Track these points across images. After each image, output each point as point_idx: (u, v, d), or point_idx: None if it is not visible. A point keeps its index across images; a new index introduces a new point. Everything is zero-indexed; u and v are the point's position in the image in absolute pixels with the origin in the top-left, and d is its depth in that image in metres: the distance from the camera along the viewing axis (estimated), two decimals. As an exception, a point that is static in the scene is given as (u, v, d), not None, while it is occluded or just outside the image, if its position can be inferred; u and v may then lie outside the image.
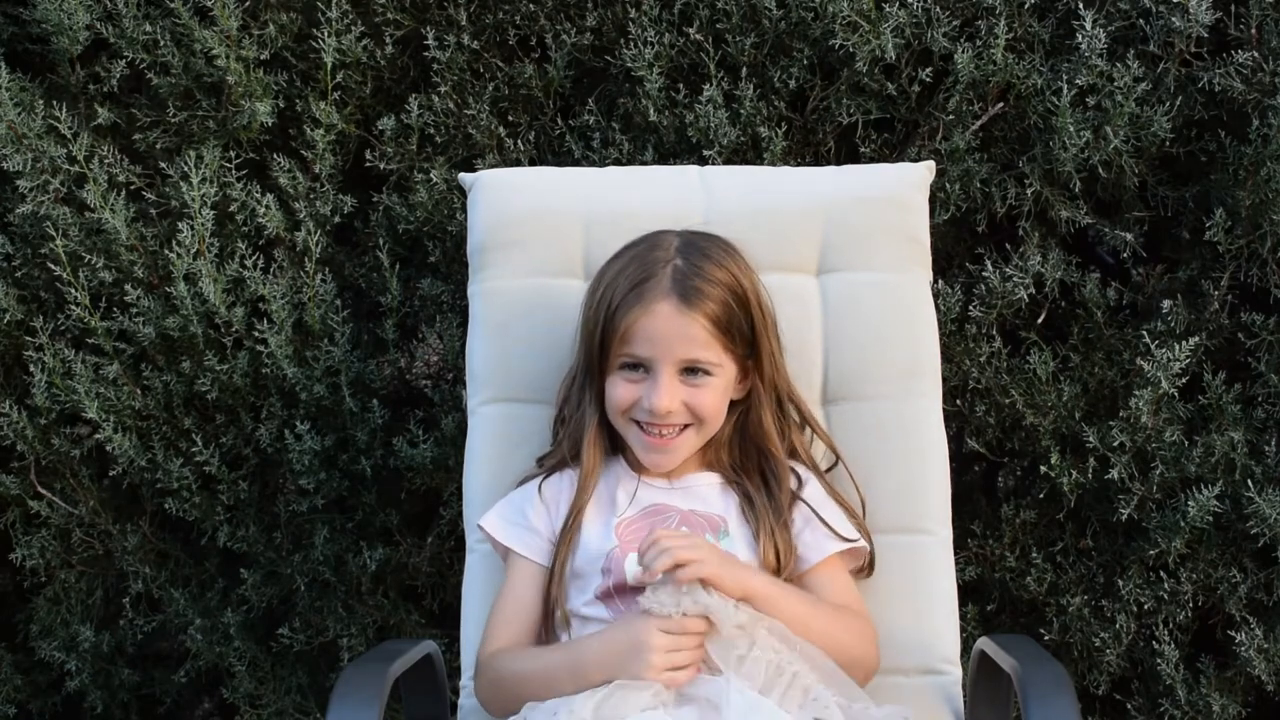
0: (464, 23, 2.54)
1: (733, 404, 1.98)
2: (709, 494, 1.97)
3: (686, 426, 1.93)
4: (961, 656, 2.07)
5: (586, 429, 1.96)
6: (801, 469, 2.00)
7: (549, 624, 1.93)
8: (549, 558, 1.93)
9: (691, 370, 1.90)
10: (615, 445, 2.00)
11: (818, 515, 1.96)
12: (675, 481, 1.98)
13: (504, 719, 1.85)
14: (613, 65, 2.52)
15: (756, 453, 1.99)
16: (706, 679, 1.76)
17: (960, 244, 2.57)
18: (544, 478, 1.99)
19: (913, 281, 2.16)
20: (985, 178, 2.47)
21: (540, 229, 2.17)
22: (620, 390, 1.92)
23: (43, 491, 2.66)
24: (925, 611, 2.06)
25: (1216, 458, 2.44)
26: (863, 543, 1.99)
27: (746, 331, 1.93)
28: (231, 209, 2.56)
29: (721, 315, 1.90)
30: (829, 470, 2.06)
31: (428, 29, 2.54)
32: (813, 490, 1.99)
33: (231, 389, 2.57)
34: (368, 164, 2.60)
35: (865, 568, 2.02)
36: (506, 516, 1.98)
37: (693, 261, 1.91)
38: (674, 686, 1.76)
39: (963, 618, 2.20)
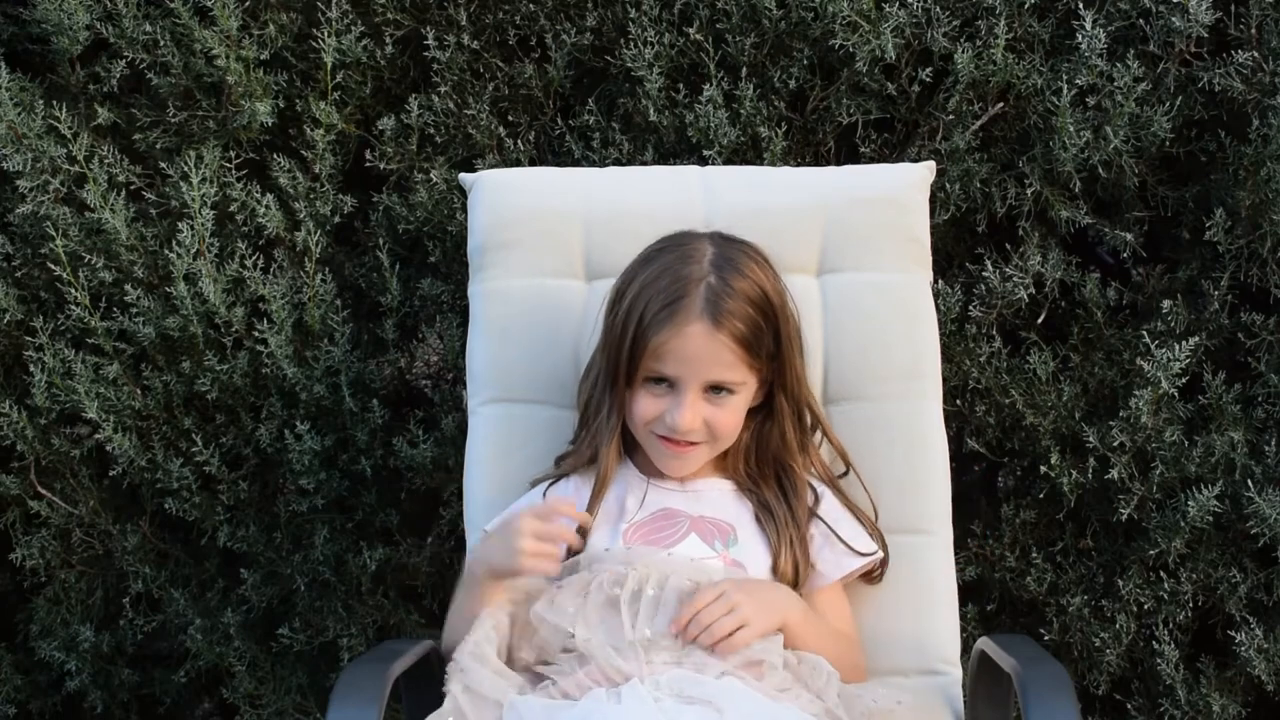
0: (464, 23, 2.53)
1: (751, 410, 1.97)
2: (720, 500, 1.97)
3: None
4: (961, 656, 2.07)
5: (607, 440, 1.96)
6: (817, 483, 2.00)
7: None
8: None
9: (715, 389, 1.90)
10: (626, 449, 2.00)
11: (835, 534, 1.96)
12: (687, 485, 1.97)
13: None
14: (613, 65, 2.52)
15: (774, 464, 1.98)
16: (711, 681, 1.77)
17: (960, 244, 2.56)
18: (550, 484, 1.99)
19: (913, 281, 2.16)
20: (985, 178, 2.47)
21: (540, 229, 2.17)
22: (644, 405, 1.91)
23: (43, 491, 2.65)
24: (925, 612, 2.06)
25: (1216, 458, 2.44)
26: (879, 555, 2.00)
27: (771, 346, 1.92)
28: (231, 209, 2.56)
29: (748, 334, 1.88)
30: (841, 476, 2.05)
31: (428, 29, 2.54)
32: (829, 506, 1.99)
33: (231, 389, 2.57)
34: (368, 164, 2.59)
35: (878, 574, 2.03)
36: None
37: (725, 279, 1.88)
38: (536, 574, 1.80)
39: (963, 618, 2.19)
